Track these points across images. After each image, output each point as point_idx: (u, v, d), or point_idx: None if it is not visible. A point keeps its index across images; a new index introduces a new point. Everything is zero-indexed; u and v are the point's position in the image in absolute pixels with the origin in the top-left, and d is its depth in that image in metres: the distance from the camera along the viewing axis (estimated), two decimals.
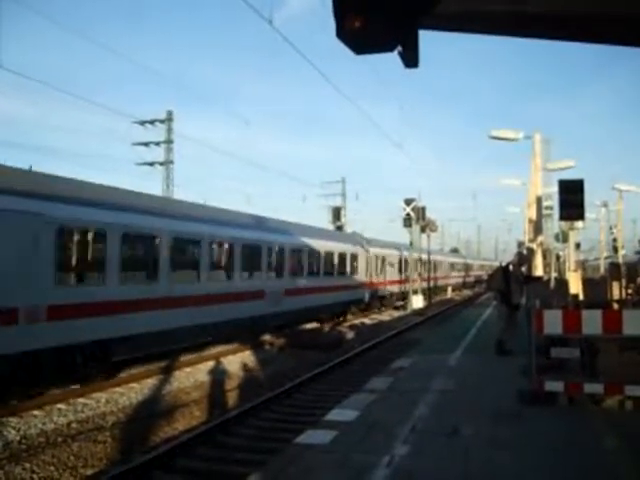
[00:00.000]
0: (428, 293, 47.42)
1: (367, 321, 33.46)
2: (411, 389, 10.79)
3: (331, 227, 50.13)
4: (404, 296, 43.85)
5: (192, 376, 16.44)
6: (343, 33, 4.44)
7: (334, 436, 7.79)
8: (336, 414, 9.12)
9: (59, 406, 13.02)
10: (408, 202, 42.56)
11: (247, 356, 19.93)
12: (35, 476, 9.35)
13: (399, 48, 4.64)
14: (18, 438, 10.86)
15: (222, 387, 15.56)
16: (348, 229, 52.66)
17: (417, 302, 41.99)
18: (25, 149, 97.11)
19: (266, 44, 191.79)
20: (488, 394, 10.36)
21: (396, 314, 38.53)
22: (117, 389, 14.67)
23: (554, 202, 30.22)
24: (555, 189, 23.09)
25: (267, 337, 23.43)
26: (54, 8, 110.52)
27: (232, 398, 14.70)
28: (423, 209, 43.30)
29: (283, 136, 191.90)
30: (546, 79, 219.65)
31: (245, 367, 18.05)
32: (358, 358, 19.41)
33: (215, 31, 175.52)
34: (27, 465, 9.63)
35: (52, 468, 9.67)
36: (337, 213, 53.50)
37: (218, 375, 16.69)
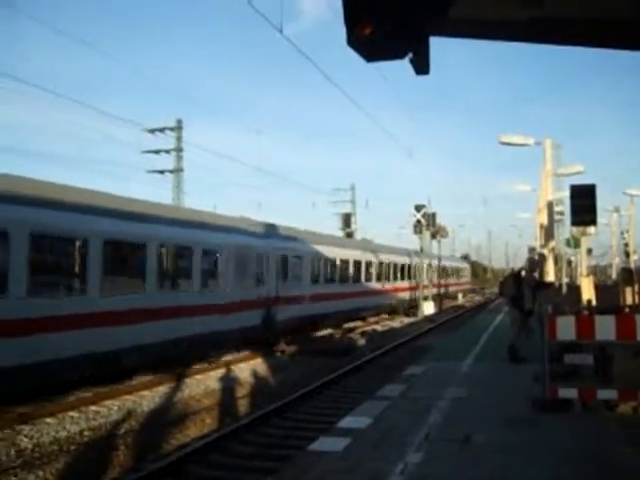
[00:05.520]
0: (439, 299, 47.30)
1: (378, 327, 33.39)
2: (424, 396, 10.74)
3: (341, 234, 50.13)
4: (415, 302, 43.72)
5: (203, 383, 16.42)
6: (354, 41, 4.44)
7: (347, 443, 7.75)
8: (349, 421, 9.09)
9: (71, 414, 13.02)
10: (418, 208, 42.55)
11: (258, 363, 19.90)
12: None
13: (410, 55, 4.63)
14: (31, 446, 10.86)
15: (233, 394, 15.54)
16: (358, 236, 52.68)
17: (428, 308, 41.88)
18: (33, 157, 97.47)
19: (277, 53, 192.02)
20: (501, 401, 10.30)
21: (407, 320, 38.42)
22: (128, 397, 14.66)
23: (565, 207, 30.13)
24: (566, 194, 23.04)
25: (278, 344, 23.35)
26: (62, 19, 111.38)
27: (243, 405, 14.68)
28: (433, 215, 43.28)
29: (293, 144, 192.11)
30: (558, 82, 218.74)
31: (256, 374, 18.02)
32: (370, 365, 19.35)
33: (225, 40, 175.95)
34: (40, 473, 9.64)
35: (65, 476, 9.68)
36: (347, 220, 53.51)
37: (229, 382, 16.67)
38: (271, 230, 24.40)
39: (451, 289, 61.40)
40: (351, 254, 33.47)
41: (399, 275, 42.38)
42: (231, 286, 20.16)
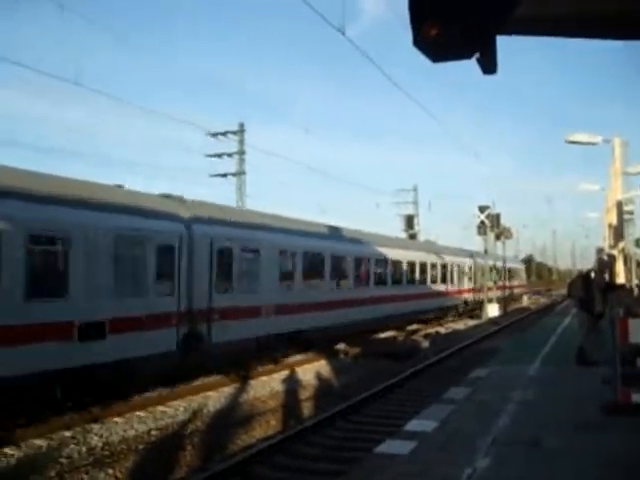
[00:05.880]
0: (503, 301, 46.59)
1: (441, 330, 33.03)
2: (490, 400, 10.58)
3: (404, 235, 49.91)
4: (479, 304, 43.13)
5: (268, 385, 16.53)
6: (420, 41, 4.39)
7: (414, 447, 7.69)
8: (415, 424, 9.02)
9: (139, 413, 13.28)
10: (482, 209, 42.01)
11: (322, 365, 19.93)
12: None
13: (477, 55, 4.58)
14: (101, 444, 11.11)
15: (297, 396, 15.60)
16: (421, 237, 52.36)
17: (492, 311, 41.26)
18: (99, 162, 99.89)
19: (338, 55, 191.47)
20: (571, 405, 10.07)
21: (471, 323, 37.95)
22: (195, 397, 14.86)
23: (635, 207, 29.28)
24: (637, 193, 22.46)
25: (341, 346, 23.38)
26: (121, 24, 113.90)
27: (308, 407, 14.72)
28: (497, 216, 42.67)
29: (355, 145, 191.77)
30: (623, 78, 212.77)
31: (320, 376, 18.04)
32: (434, 368, 19.19)
33: (286, 43, 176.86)
34: (110, 471, 9.86)
35: (134, 474, 9.87)
36: (410, 221, 53.24)
37: (293, 384, 16.74)
38: (204, 212, 17.21)
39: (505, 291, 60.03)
40: (397, 254, 30.64)
41: (461, 277, 41.78)
42: (101, 294, 13.11)
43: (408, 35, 4.43)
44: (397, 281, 30.51)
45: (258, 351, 18.41)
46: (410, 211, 57.16)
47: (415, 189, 59.73)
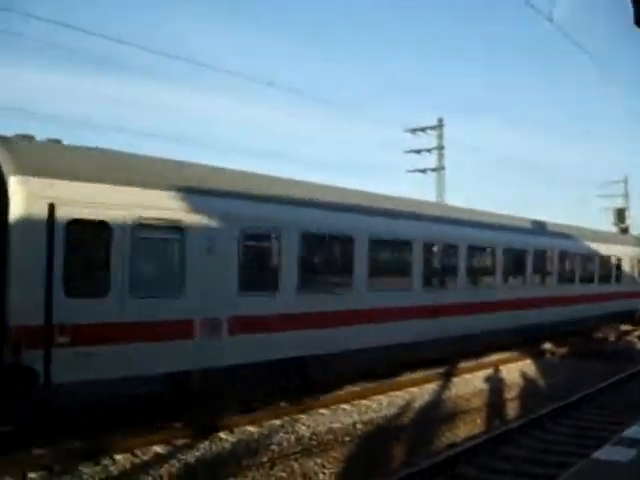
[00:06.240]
0: None
1: None
2: None
3: (614, 229, 47.04)
4: None
5: (470, 383, 16.29)
6: None
7: (634, 455, 7.19)
8: (636, 431, 8.44)
9: (344, 406, 13.57)
10: None
11: (526, 365, 19.32)
12: (326, 471, 9.80)
13: None
14: (308, 434, 11.47)
15: (501, 395, 15.22)
16: (633, 232, 49.10)
17: None
18: (293, 161, 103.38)
19: (543, 44, 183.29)
20: None
21: None
22: (397, 393, 14.95)
23: None
24: None
25: (547, 346, 22.48)
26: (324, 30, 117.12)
27: (512, 408, 14.32)
28: None
29: (559, 137, 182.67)
30: None
31: (525, 376, 17.50)
32: None
33: (488, 33, 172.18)
34: (318, 460, 10.13)
35: (341, 464, 10.08)
36: (621, 214, 50.04)
37: (497, 383, 16.37)
38: (68, 160, 10.38)
39: None
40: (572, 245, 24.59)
41: None
42: None
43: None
44: (570, 279, 24.16)
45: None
46: (619, 204, 53.75)
47: (625, 181, 56.16)
